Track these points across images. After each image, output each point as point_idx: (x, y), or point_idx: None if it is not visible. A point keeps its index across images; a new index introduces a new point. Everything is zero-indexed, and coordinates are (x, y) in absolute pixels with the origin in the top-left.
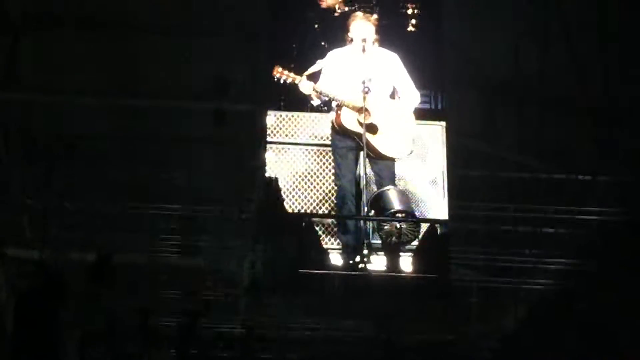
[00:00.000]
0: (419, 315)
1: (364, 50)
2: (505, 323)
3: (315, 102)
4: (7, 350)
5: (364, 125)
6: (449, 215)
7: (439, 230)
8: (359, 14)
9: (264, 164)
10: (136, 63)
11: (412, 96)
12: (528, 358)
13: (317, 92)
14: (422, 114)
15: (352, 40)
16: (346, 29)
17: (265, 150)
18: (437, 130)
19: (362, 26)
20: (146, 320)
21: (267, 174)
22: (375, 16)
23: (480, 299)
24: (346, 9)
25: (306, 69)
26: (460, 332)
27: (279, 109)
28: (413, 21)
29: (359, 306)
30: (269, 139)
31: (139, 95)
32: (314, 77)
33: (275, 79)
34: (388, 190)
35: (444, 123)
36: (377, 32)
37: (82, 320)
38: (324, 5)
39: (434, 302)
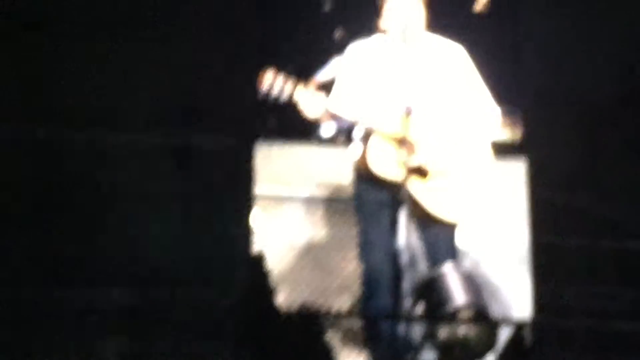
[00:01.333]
0: None
1: (405, 42)
2: None
3: (328, 129)
4: None
5: (408, 167)
6: (534, 309)
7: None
8: None
9: (249, 229)
10: (55, 77)
11: (488, 117)
12: None
13: (330, 113)
14: (504, 146)
15: (384, 25)
16: (377, 10)
17: (251, 207)
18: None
19: (404, 3)
20: None
21: (253, 245)
22: None
23: None
24: None
25: (312, 76)
26: None
27: (270, 139)
28: None
29: None
30: (257, 190)
31: (58, 124)
32: (326, 89)
33: (265, 92)
34: (446, 273)
35: None
36: (429, 10)
37: None
38: None
39: None
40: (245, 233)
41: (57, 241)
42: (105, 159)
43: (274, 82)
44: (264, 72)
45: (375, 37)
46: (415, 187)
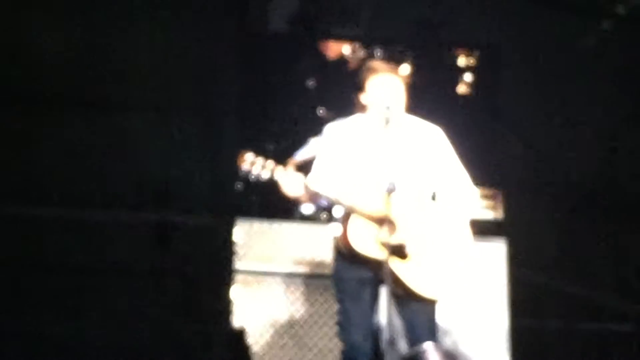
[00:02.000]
0: None
1: (387, 122)
2: None
3: (307, 208)
4: None
5: (388, 246)
6: None
7: None
8: (379, 63)
9: (228, 307)
10: (35, 157)
11: (466, 197)
12: None
13: (310, 191)
14: (484, 227)
15: (366, 105)
16: (359, 87)
17: (231, 284)
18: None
19: (387, 83)
20: None
21: (232, 323)
22: (406, 68)
23: None
24: (360, 54)
25: (292, 155)
26: None
27: (251, 217)
28: (467, 77)
29: None
30: (236, 265)
31: (33, 203)
32: (305, 169)
33: (243, 173)
34: (426, 352)
35: None
36: (408, 91)
37: None
38: (332, 54)
39: None
40: (224, 309)
41: (37, 320)
42: (86, 236)
43: (253, 162)
44: (244, 152)
45: (354, 117)
46: (396, 266)
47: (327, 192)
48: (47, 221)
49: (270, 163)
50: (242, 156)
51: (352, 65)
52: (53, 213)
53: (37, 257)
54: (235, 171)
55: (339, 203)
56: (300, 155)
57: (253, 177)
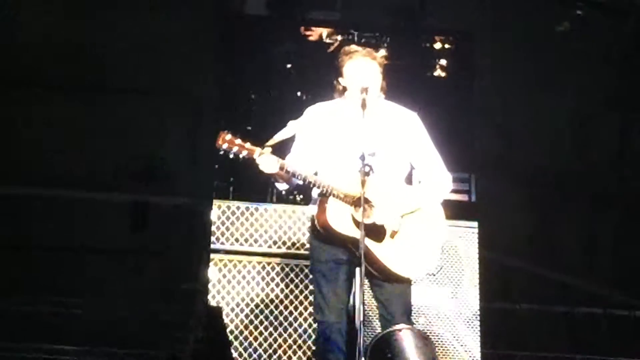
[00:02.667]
0: None
1: (364, 105)
2: None
3: (283, 186)
4: None
5: (363, 226)
6: None
7: None
8: (358, 48)
9: (204, 286)
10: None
11: (439, 180)
12: None
13: (286, 172)
14: (457, 209)
15: (344, 89)
16: (337, 71)
17: (207, 263)
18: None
19: (363, 67)
20: None
21: (208, 302)
22: (382, 52)
23: None
24: (338, 38)
25: (269, 137)
26: None
27: (227, 198)
28: (443, 62)
29: None
30: (213, 245)
31: (16, 183)
32: (283, 150)
33: (222, 152)
34: (399, 331)
35: None
36: (385, 76)
37: None
38: (309, 38)
39: None
40: (201, 289)
41: (16, 298)
42: (65, 216)
43: (232, 142)
44: (223, 132)
45: (333, 100)
46: (371, 245)
47: (304, 172)
48: (27, 200)
49: (248, 143)
50: (221, 135)
51: (330, 49)
52: (32, 192)
53: (16, 236)
54: (212, 153)
55: (316, 183)
56: (278, 136)
57: (231, 156)
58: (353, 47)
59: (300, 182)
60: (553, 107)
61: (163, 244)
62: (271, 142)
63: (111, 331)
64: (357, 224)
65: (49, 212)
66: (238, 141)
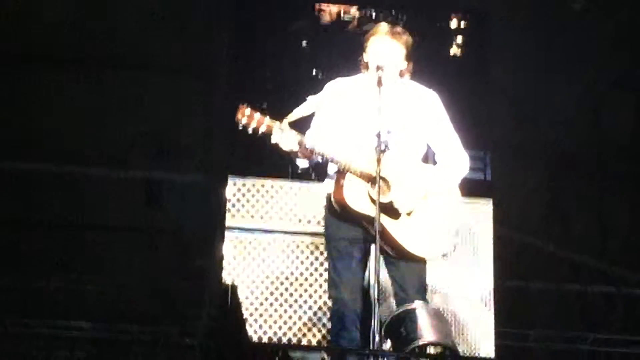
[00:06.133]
0: None
1: (379, 83)
2: None
3: (302, 164)
4: None
5: (378, 204)
6: (495, 348)
7: None
8: (384, 25)
9: (218, 263)
10: (30, 114)
11: (457, 160)
12: None
13: (305, 148)
14: (473, 188)
15: (366, 65)
16: (362, 47)
17: (222, 240)
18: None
19: (384, 45)
20: None
21: (223, 279)
22: (407, 35)
23: None
24: (356, 16)
25: (287, 112)
26: None
27: (243, 175)
28: (459, 39)
29: None
30: (228, 222)
31: (30, 159)
32: (302, 125)
33: (241, 126)
34: (415, 309)
35: None
36: (410, 57)
37: None
38: (326, 17)
39: None
40: (215, 266)
41: (28, 275)
42: (79, 193)
43: (251, 116)
44: (242, 106)
45: (354, 77)
46: (387, 223)
47: (323, 148)
48: (40, 177)
49: (267, 118)
50: (240, 109)
51: (347, 27)
52: (46, 169)
53: (29, 213)
54: (227, 130)
55: (333, 160)
56: (297, 112)
57: (250, 130)
58: (383, 24)
59: (319, 159)
60: (568, 86)
61: (177, 220)
62: (290, 117)
63: (125, 308)
64: (374, 201)
65: (63, 189)
66: (257, 116)
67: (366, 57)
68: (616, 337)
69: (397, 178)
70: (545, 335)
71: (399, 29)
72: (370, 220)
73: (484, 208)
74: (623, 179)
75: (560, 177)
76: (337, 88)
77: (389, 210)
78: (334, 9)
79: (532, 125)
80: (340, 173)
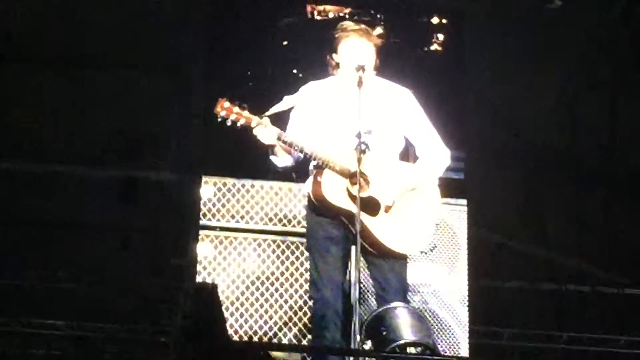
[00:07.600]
0: None
1: (360, 84)
2: None
3: (281, 161)
4: None
5: (359, 200)
6: (469, 347)
7: None
8: (352, 25)
9: (194, 262)
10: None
11: (436, 157)
12: None
13: (284, 142)
14: (452, 187)
15: (337, 65)
16: (331, 47)
17: (197, 240)
18: None
19: (359, 46)
20: None
21: (199, 278)
22: (379, 30)
23: None
24: (330, 14)
25: (265, 110)
26: None
27: (222, 174)
28: (440, 36)
29: None
30: (204, 222)
31: (5, 157)
32: (279, 124)
33: (220, 118)
34: (395, 308)
35: None
36: (379, 54)
37: None
38: (304, 14)
39: None
40: (190, 265)
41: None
42: (54, 191)
43: (230, 109)
44: (220, 99)
45: (326, 79)
46: (366, 220)
47: (302, 142)
48: (15, 175)
49: (246, 111)
50: (219, 102)
51: (323, 25)
52: (20, 167)
53: (4, 211)
54: (203, 128)
55: (312, 155)
56: (275, 108)
57: (228, 123)
58: (350, 24)
59: (299, 155)
60: (543, 86)
61: (152, 219)
62: (268, 112)
63: (100, 306)
64: (352, 197)
65: (36, 186)
66: (236, 109)
67: (337, 57)
68: (590, 335)
69: (375, 173)
70: (520, 334)
71: (365, 27)
72: (349, 215)
73: (464, 208)
74: (598, 178)
75: (535, 177)
76: (311, 90)
77: (368, 205)
78: (311, 8)
79: (507, 123)
80: (319, 169)
